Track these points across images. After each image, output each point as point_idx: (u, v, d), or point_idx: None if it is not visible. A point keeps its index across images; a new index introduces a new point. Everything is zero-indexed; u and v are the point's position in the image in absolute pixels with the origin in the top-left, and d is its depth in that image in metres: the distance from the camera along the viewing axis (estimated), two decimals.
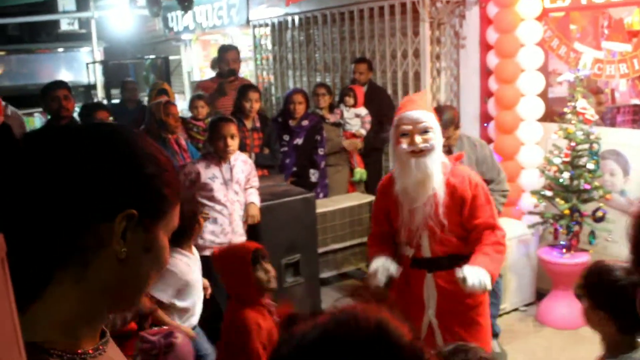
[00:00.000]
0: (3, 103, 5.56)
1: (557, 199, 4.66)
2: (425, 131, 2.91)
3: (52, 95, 4.58)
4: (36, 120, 9.00)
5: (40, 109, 7.62)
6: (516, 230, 4.96)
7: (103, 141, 0.99)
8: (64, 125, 1.13)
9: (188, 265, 3.44)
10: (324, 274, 5.42)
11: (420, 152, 2.90)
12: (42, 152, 0.96)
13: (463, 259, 3.06)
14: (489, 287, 2.85)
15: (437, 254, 3.06)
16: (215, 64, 9.84)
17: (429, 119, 2.95)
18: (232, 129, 4.07)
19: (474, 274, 2.82)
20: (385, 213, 3.17)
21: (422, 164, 2.89)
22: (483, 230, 3.00)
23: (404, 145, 2.92)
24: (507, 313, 4.94)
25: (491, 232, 3.00)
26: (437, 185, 2.93)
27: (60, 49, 11.61)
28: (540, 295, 5.06)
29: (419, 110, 2.96)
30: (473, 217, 3.00)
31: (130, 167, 0.98)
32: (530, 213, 4.97)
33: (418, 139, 2.90)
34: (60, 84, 4.75)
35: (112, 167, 0.96)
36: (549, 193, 4.74)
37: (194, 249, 3.63)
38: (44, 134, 1.01)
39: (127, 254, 0.97)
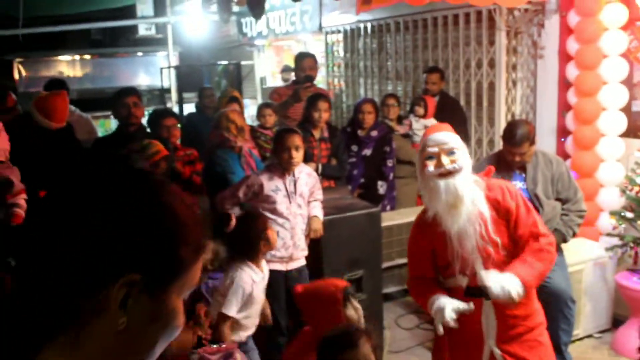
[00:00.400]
0: (72, 108, 5.72)
1: (639, 222, 4.38)
2: (451, 152, 2.82)
3: (122, 101, 4.63)
4: (112, 122, 9.27)
5: None
6: (592, 252, 4.71)
7: (119, 192, 0.87)
8: (91, 165, 1.02)
9: (254, 280, 3.43)
10: (388, 289, 5.30)
11: (448, 174, 2.79)
12: (53, 203, 0.87)
13: None
14: (515, 295, 2.70)
15: None
16: (285, 70, 9.90)
17: (455, 141, 2.86)
18: (297, 140, 4.00)
19: (497, 282, 2.71)
20: (430, 252, 3.00)
21: (452, 185, 2.77)
22: (527, 240, 2.88)
23: (431, 167, 2.81)
24: (580, 339, 4.68)
25: (535, 240, 2.87)
26: (480, 204, 2.81)
27: (139, 54, 11.92)
28: (617, 322, 4.77)
29: (443, 132, 2.89)
30: (517, 228, 2.88)
31: (141, 223, 0.85)
32: (609, 235, 4.70)
33: (445, 160, 2.80)
34: (131, 91, 4.79)
35: (119, 224, 0.83)
36: (629, 214, 4.47)
37: (264, 265, 3.61)
38: (69, 172, 0.91)
39: (127, 324, 0.83)
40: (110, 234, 0.83)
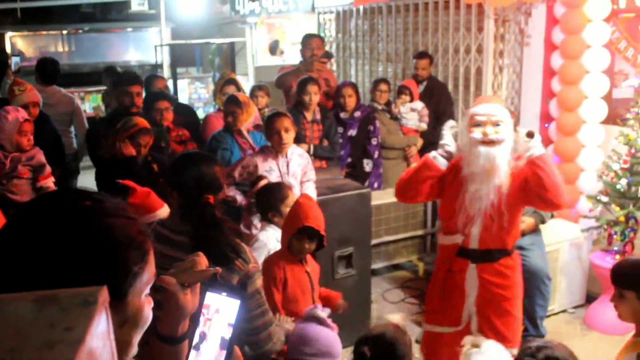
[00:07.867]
0: (57, 87, 5.90)
1: (613, 205, 4.64)
2: (497, 124, 3.09)
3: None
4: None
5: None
6: (569, 233, 4.97)
7: (55, 235, 0.91)
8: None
9: (277, 240, 3.54)
10: (375, 265, 5.54)
11: (491, 143, 3.06)
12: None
13: (507, 254, 3.26)
14: (540, 150, 3.06)
15: (484, 247, 3.20)
16: (273, 48, 9.94)
17: (503, 115, 3.12)
18: (286, 122, 4.13)
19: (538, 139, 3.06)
20: (437, 182, 3.27)
21: (491, 153, 3.06)
22: None
23: (477, 134, 3.08)
24: (555, 314, 4.96)
25: None
26: (504, 177, 3.09)
27: (129, 29, 11.92)
28: (590, 298, 5.06)
29: (494, 105, 3.16)
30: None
31: (82, 259, 0.89)
32: (585, 217, 4.95)
33: (490, 129, 3.07)
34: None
35: (62, 268, 0.88)
36: (604, 198, 4.72)
37: None
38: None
39: None
40: (59, 276, 0.87)
